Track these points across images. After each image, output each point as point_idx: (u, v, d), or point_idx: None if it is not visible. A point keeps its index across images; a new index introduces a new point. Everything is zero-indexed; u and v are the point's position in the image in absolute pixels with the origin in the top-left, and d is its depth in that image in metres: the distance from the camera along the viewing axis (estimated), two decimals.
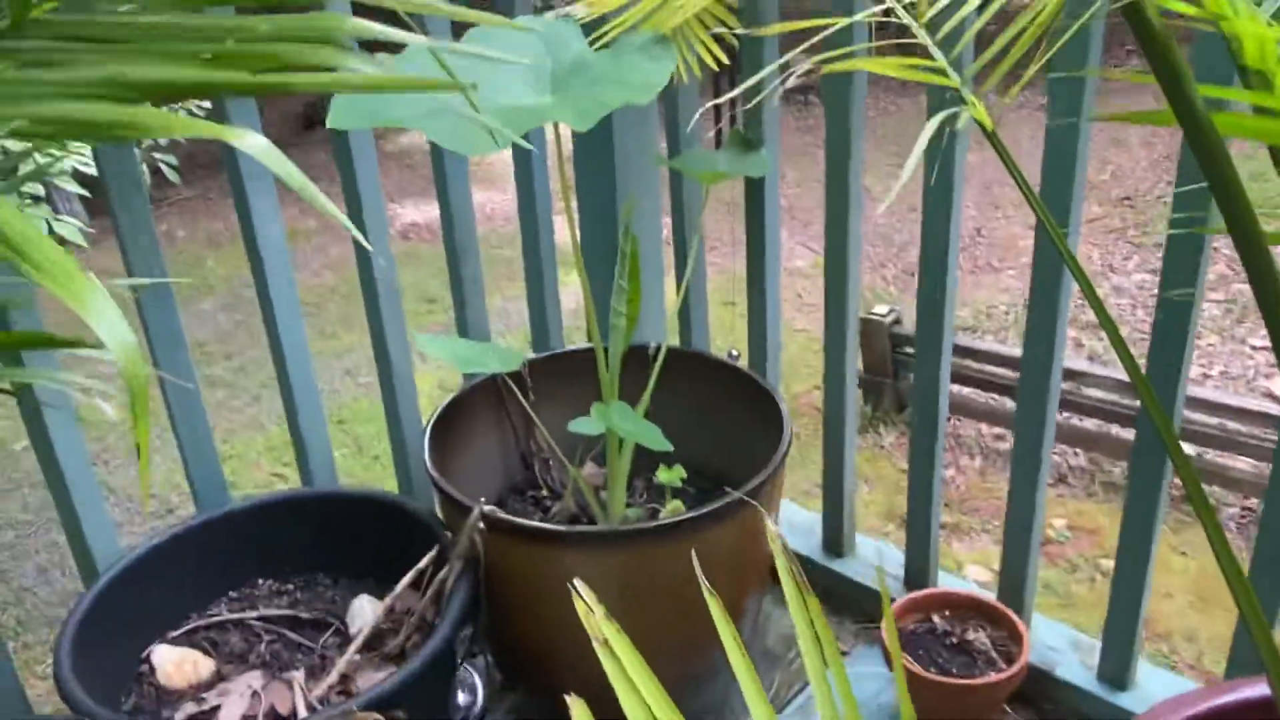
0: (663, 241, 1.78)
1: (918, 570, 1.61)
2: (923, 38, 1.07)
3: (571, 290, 2.96)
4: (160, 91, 0.57)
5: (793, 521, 1.76)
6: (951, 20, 1.04)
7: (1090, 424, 3.15)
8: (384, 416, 1.64)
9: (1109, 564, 3.04)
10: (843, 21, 1.09)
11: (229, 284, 4.50)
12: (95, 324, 0.50)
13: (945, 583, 1.63)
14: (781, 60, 1.08)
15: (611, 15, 1.29)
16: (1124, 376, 3.05)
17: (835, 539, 1.69)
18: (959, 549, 3.15)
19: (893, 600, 1.55)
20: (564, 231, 1.44)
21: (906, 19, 1.09)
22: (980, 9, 1.06)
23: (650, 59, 1.17)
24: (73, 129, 0.56)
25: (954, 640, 1.51)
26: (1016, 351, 3.30)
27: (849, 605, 1.67)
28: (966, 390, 3.37)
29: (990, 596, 1.53)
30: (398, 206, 5.28)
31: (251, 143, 0.52)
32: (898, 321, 3.44)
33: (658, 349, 1.57)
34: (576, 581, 0.72)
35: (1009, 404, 3.42)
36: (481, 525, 1.34)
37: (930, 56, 1.06)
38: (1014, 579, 1.50)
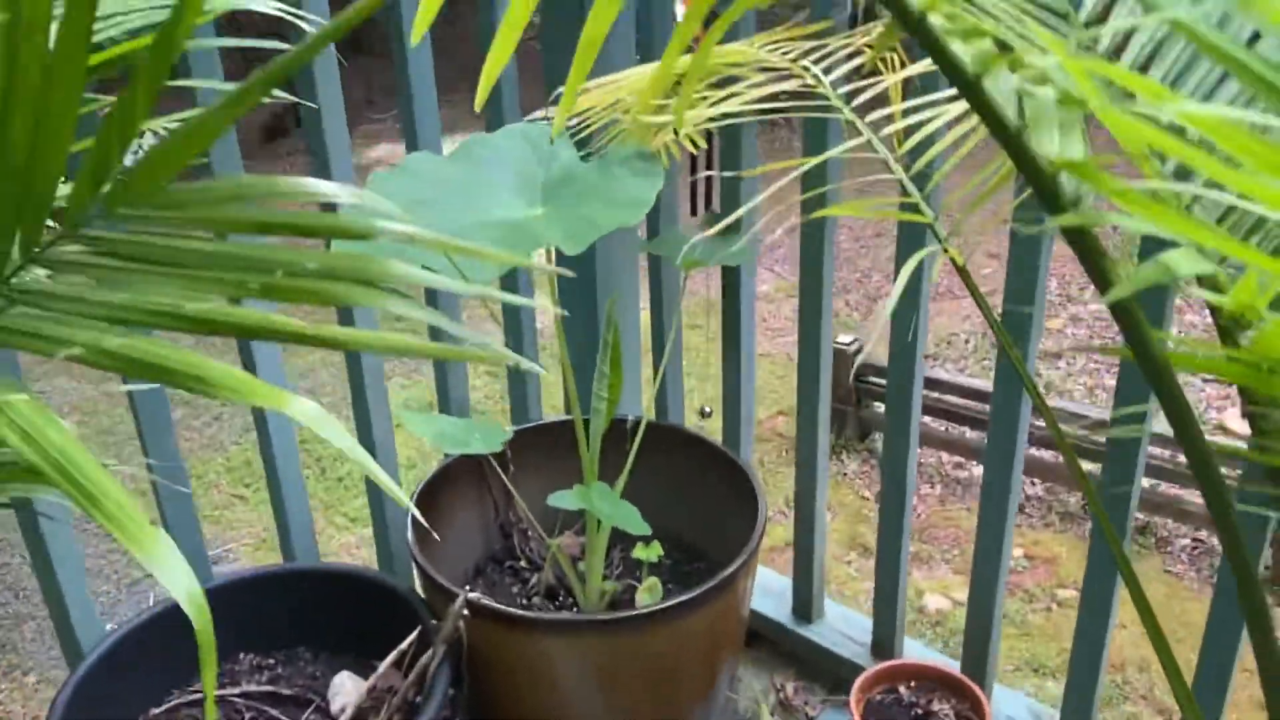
0: (640, 311, 1.81)
1: (885, 638, 1.67)
2: (899, 174, 1.12)
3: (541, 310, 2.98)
4: (218, 330, 0.60)
5: (765, 586, 1.80)
6: (924, 158, 1.09)
7: (1047, 454, 3.23)
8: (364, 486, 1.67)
9: (1065, 594, 3.13)
10: (814, 161, 1.13)
11: None
12: (161, 576, 0.53)
13: (911, 652, 1.68)
14: (759, 198, 1.12)
15: (596, 110, 1.32)
16: (1079, 410, 3.13)
17: (805, 605, 1.74)
18: (919, 577, 3.21)
19: (861, 669, 1.60)
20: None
21: (884, 154, 1.13)
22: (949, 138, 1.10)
23: (636, 174, 1.21)
24: (137, 369, 0.58)
25: (919, 712, 1.56)
26: (977, 383, 3.37)
27: (820, 671, 1.72)
28: (926, 419, 3.43)
29: (954, 668, 1.59)
30: None
31: (302, 409, 0.55)
32: (860, 350, 3.50)
33: (636, 424, 1.60)
34: None
35: (969, 433, 3.49)
36: (465, 611, 1.37)
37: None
38: (977, 652, 1.56)
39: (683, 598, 1.36)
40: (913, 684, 1.60)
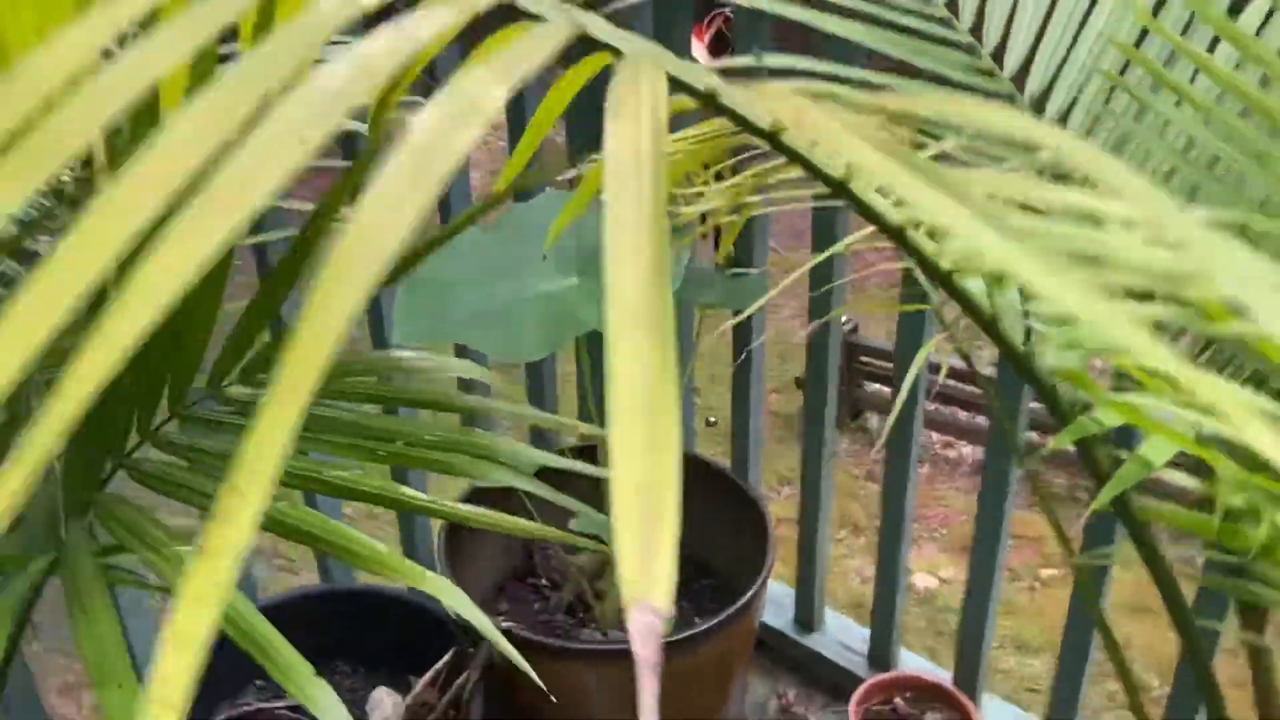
0: None
1: (882, 649, 1.79)
2: (933, 299, 1.21)
3: None
4: (352, 496, 0.69)
5: (769, 595, 1.92)
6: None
7: (1033, 435, 3.34)
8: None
9: (1049, 573, 3.25)
10: (822, 257, 1.22)
11: None
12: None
13: (907, 663, 1.80)
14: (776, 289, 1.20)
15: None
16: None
17: (807, 615, 1.86)
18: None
19: (859, 679, 1.72)
20: None
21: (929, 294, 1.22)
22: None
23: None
24: (289, 532, 0.67)
25: None
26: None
27: (819, 680, 1.84)
28: None
29: (947, 680, 1.71)
30: None
31: (436, 584, 0.64)
32: (854, 330, 3.59)
33: None
34: None
35: (960, 414, 3.61)
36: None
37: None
38: (969, 666, 1.68)
39: (703, 627, 1.47)
40: (909, 695, 1.72)
